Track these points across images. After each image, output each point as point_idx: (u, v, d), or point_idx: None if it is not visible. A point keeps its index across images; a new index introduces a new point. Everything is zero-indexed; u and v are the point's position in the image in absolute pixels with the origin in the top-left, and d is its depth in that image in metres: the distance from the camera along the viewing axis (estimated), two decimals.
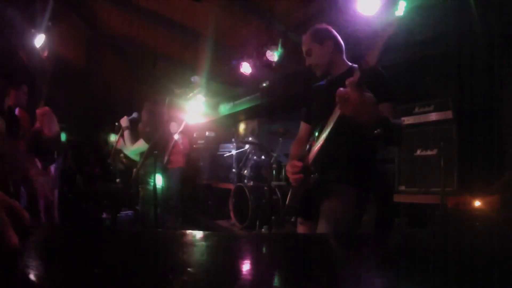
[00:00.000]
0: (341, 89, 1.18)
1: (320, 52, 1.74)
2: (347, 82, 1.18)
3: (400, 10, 2.96)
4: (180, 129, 5.59)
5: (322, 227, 1.54)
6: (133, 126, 3.28)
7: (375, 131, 1.25)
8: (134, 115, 3.25)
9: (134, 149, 3.19)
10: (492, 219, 2.17)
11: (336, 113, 1.36)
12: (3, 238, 0.33)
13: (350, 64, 1.76)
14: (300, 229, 1.77)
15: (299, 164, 1.59)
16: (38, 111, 2.23)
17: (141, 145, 3.11)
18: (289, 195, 1.75)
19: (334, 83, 1.61)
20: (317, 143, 1.55)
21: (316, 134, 1.60)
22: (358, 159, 1.63)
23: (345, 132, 1.47)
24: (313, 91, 1.90)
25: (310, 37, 1.77)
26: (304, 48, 1.79)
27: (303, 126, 1.92)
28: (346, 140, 1.59)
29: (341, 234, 1.41)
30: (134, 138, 3.22)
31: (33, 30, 4.71)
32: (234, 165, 5.50)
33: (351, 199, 1.57)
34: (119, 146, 3.26)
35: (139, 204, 3.28)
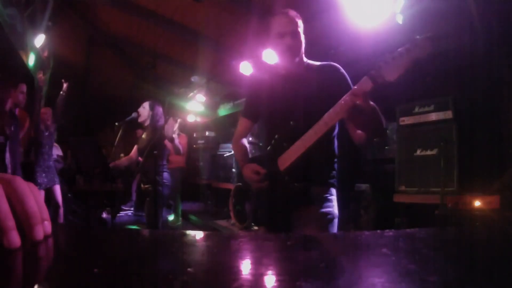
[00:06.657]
0: (347, 98, 1.23)
1: (303, 36, 1.50)
2: (358, 92, 1.21)
3: (400, 10, 2.96)
4: (175, 128, 5.59)
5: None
6: (133, 126, 3.27)
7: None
8: (134, 115, 3.24)
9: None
10: (492, 219, 2.17)
11: (333, 119, 1.29)
12: (4, 237, 0.31)
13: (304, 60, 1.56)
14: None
15: (263, 170, 1.46)
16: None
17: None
18: (253, 202, 1.62)
19: (300, 78, 1.49)
20: (292, 148, 1.40)
21: (280, 136, 1.48)
22: (333, 161, 1.56)
23: (332, 136, 1.50)
24: (259, 83, 1.67)
25: (298, 16, 1.51)
26: (291, 26, 1.47)
27: (244, 122, 1.71)
28: (329, 144, 1.53)
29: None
30: (132, 138, 3.21)
31: (33, 30, 4.70)
32: (234, 165, 5.50)
33: (335, 200, 1.52)
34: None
35: (139, 204, 3.28)
